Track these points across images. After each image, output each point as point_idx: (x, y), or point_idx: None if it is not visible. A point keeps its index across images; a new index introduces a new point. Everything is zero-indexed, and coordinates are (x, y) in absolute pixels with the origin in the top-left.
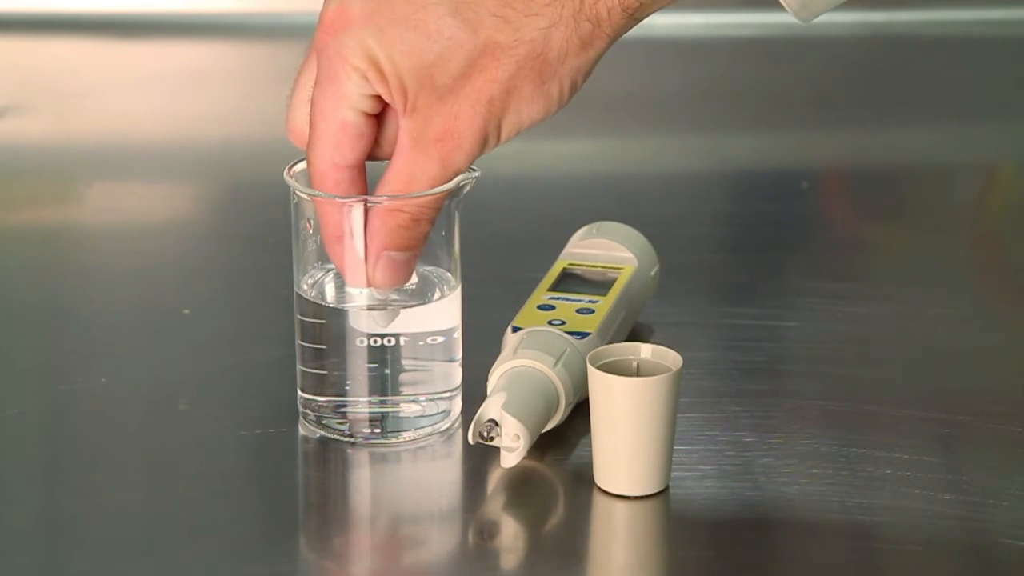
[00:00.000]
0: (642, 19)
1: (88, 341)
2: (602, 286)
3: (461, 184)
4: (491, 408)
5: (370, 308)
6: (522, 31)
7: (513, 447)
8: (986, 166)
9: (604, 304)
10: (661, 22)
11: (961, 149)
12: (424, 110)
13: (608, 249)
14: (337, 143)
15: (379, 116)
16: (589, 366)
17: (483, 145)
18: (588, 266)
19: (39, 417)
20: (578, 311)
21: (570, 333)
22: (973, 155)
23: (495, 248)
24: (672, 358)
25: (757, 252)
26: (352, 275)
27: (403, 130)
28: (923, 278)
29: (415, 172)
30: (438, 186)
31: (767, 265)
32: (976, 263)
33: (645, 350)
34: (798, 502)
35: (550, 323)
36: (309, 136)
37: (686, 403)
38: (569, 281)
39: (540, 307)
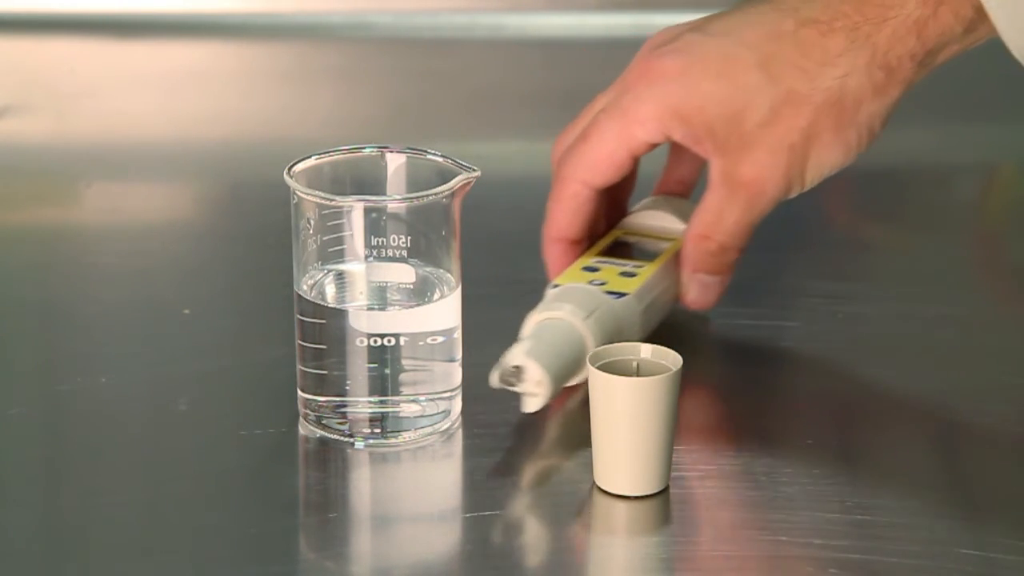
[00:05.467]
0: (933, 66)
1: (88, 341)
2: (650, 254)
3: (461, 183)
4: (515, 354)
5: (369, 308)
6: (819, 80)
7: (535, 392)
8: (986, 166)
9: (648, 270)
10: (661, 22)
11: (961, 149)
12: (733, 154)
13: (663, 221)
14: (596, 164)
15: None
16: (589, 366)
17: (787, 190)
18: (641, 235)
19: (39, 417)
20: (621, 274)
21: (608, 292)
22: (973, 155)
23: (495, 248)
24: (672, 358)
25: (757, 252)
26: None
27: (714, 169)
28: (923, 278)
29: (723, 210)
30: (742, 225)
31: (767, 265)
32: (976, 263)
33: (645, 350)
34: (798, 502)
35: (591, 283)
36: (574, 141)
37: (686, 403)
38: (619, 248)
39: (585, 268)
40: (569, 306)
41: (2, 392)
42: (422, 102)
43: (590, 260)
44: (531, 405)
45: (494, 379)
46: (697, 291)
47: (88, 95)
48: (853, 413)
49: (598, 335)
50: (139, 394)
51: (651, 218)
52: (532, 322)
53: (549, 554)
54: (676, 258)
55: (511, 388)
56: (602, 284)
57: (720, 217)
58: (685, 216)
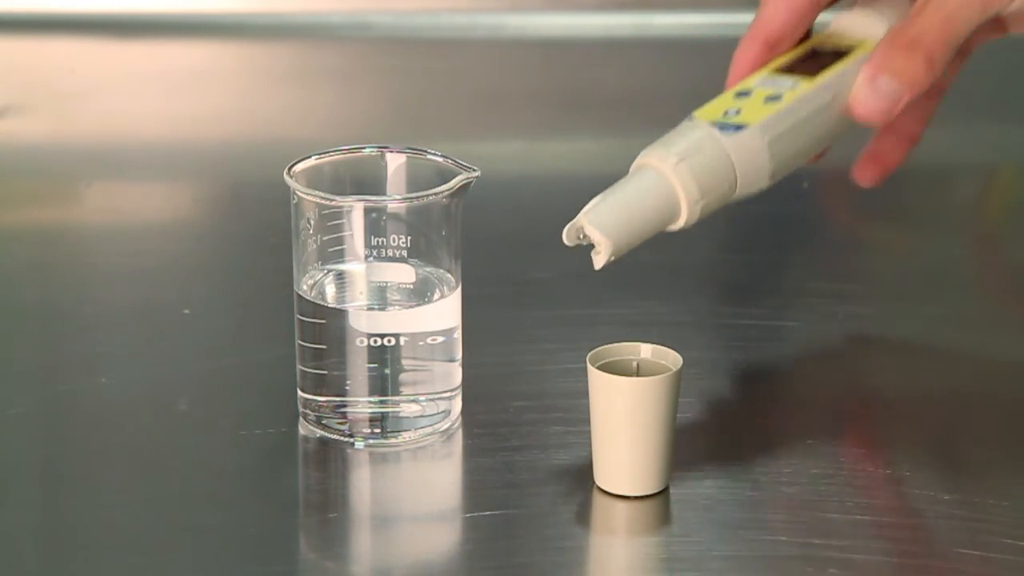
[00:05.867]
0: None
1: (88, 341)
2: (823, 66)
3: (461, 183)
4: (581, 214)
5: (369, 308)
6: None
7: (599, 251)
8: (986, 166)
9: (800, 90)
10: (661, 22)
11: (961, 149)
12: None
13: (874, 23)
14: None
15: None
16: (589, 366)
17: None
18: (839, 42)
19: (39, 417)
20: (767, 99)
21: (725, 127)
22: (973, 155)
23: (495, 248)
24: (672, 358)
25: (757, 252)
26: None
27: None
28: (923, 278)
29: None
30: (949, 22)
31: (767, 265)
32: (976, 263)
33: (645, 350)
34: (798, 502)
35: (726, 112)
36: None
37: (686, 403)
38: (801, 63)
39: (738, 93)
40: (663, 150)
41: (2, 392)
42: (422, 102)
43: (753, 80)
44: (596, 262)
45: (566, 236)
46: (867, 93)
47: (88, 95)
48: (853, 413)
49: (690, 180)
50: (139, 394)
51: (862, 21)
52: (634, 164)
53: (549, 554)
54: (849, 73)
55: (583, 244)
56: (736, 114)
57: (925, 8)
58: (893, 17)
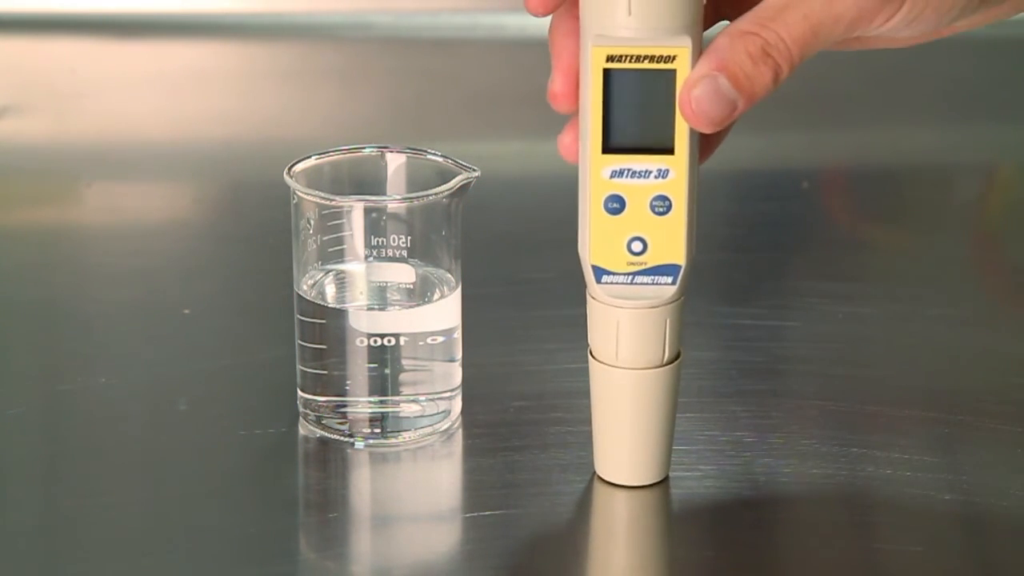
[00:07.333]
0: None
1: (88, 341)
2: (663, 128)
3: (461, 183)
4: None
5: (369, 308)
6: None
7: None
8: (986, 166)
9: (680, 184)
10: None
11: (961, 149)
12: None
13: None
14: None
15: None
16: (590, 358)
17: None
18: (635, 57)
19: (39, 417)
20: (654, 208)
21: (653, 279)
22: (973, 155)
23: (495, 248)
24: None
25: (757, 252)
26: None
27: None
28: (923, 278)
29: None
30: (809, 27)
31: (767, 265)
32: (976, 263)
33: None
34: (798, 502)
35: (633, 276)
36: None
37: (686, 403)
38: (621, 107)
39: (608, 207)
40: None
41: (2, 392)
42: (422, 102)
43: (602, 179)
44: None
45: None
46: (705, 96)
47: (88, 95)
48: (853, 413)
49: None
50: (139, 394)
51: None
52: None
53: (549, 554)
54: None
55: None
56: (642, 251)
57: (785, 12)
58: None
